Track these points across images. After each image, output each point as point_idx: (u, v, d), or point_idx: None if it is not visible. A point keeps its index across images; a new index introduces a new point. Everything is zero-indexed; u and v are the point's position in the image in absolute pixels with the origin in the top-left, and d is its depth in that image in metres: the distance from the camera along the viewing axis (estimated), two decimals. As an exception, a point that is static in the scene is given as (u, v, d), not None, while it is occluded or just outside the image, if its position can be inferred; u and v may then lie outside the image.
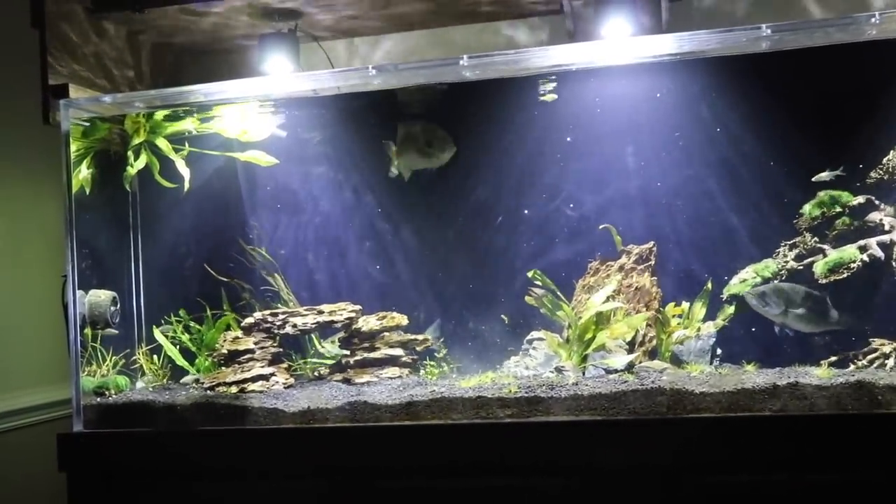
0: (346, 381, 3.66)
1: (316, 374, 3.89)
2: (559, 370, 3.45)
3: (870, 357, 3.34)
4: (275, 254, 4.11)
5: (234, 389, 3.57)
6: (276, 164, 4.00)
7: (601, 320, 3.52)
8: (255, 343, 3.76)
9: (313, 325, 3.77)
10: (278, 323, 3.79)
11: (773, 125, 3.59)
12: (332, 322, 3.78)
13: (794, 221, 3.60)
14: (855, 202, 3.52)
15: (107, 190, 3.98)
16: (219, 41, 4.51)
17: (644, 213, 3.75)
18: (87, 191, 3.85)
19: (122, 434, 3.48)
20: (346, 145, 4.05)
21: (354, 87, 3.74)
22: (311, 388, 3.63)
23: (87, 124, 3.83)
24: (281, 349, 3.82)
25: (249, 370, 3.66)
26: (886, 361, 3.29)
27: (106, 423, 3.53)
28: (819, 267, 3.48)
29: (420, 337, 3.82)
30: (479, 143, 3.88)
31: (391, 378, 3.64)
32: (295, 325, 3.77)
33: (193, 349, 3.99)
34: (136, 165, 3.92)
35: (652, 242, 3.72)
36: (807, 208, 3.58)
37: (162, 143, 3.89)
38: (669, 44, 3.42)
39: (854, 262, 3.42)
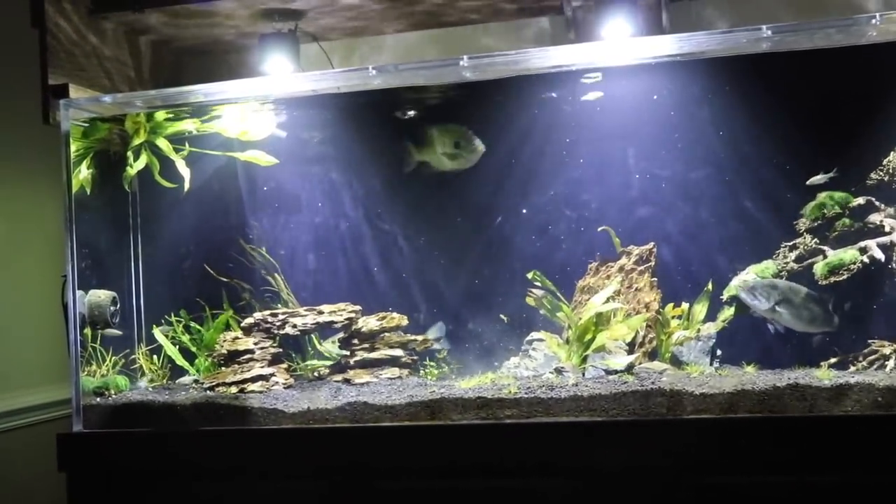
0: (346, 381, 3.66)
1: (316, 374, 3.89)
2: (559, 371, 3.45)
3: (870, 358, 3.33)
4: (274, 254, 4.11)
5: (233, 390, 3.58)
6: (276, 164, 3.99)
7: (601, 321, 3.52)
8: (255, 343, 3.77)
9: (313, 326, 3.77)
10: (278, 323, 3.79)
11: (774, 126, 3.58)
12: (332, 322, 3.78)
13: (795, 223, 3.60)
14: (855, 203, 3.52)
15: (107, 190, 3.98)
16: (219, 41, 4.51)
17: (646, 213, 3.75)
18: (87, 191, 3.85)
19: (121, 434, 3.48)
20: (347, 145, 4.05)
21: (355, 87, 3.74)
22: (310, 388, 3.63)
23: (87, 124, 3.83)
24: (281, 349, 3.82)
25: (249, 370, 3.66)
26: (886, 363, 3.29)
27: (106, 424, 3.53)
28: (819, 268, 3.48)
29: (420, 338, 3.82)
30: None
31: (391, 379, 3.64)
32: (295, 326, 3.77)
33: (193, 349, 3.99)
34: (136, 166, 3.92)
35: (652, 243, 3.72)
36: (807, 209, 3.57)
37: (162, 144, 3.89)
38: (669, 45, 3.42)
39: (854, 263, 3.42)
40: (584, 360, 3.50)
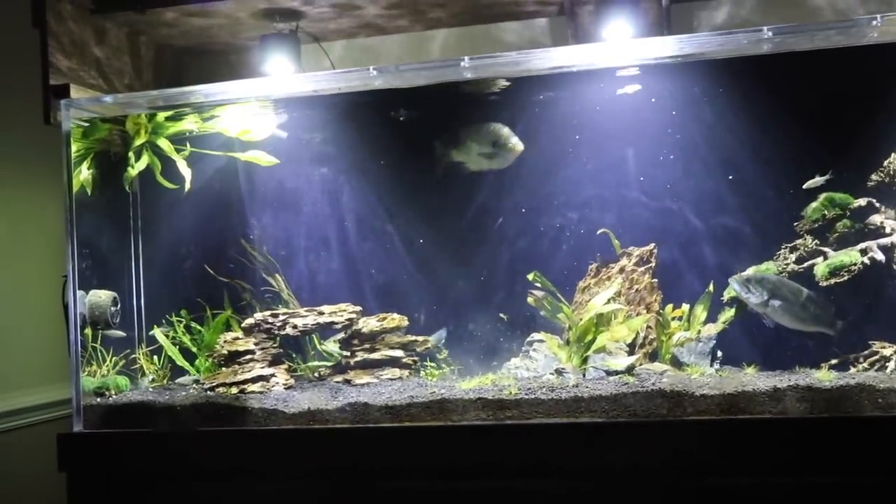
0: (347, 382, 3.66)
1: (316, 375, 3.89)
2: (559, 372, 3.45)
3: (870, 360, 3.33)
4: (275, 254, 4.11)
5: (234, 390, 3.58)
6: (276, 164, 3.99)
7: (601, 322, 3.52)
8: (256, 344, 3.77)
9: (313, 326, 3.77)
10: (278, 324, 3.79)
11: (774, 127, 3.58)
12: (333, 323, 3.78)
13: (795, 224, 3.60)
14: (856, 205, 3.52)
15: (107, 190, 3.98)
16: (220, 42, 4.51)
17: (649, 215, 3.75)
18: (88, 191, 3.85)
19: (122, 434, 3.48)
20: (347, 145, 4.05)
21: (355, 87, 3.74)
22: (311, 389, 3.63)
23: (88, 125, 3.83)
24: (281, 350, 3.82)
25: (249, 371, 3.67)
26: (887, 364, 3.29)
27: (106, 424, 3.53)
28: (820, 269, 3.48)
29: (420, 338, 3.82)
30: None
31: (391, 379, 3.64)
32: (295, 326, 3.77)
33: (194, 349, 3.99)
34: (138, 166, 3.92)
35: (652, 244, 3.72)
36: (808, 211, 3.58)
37: (164, 144, 3.89)
38: (670, 46, 3.42)
39: (855, 264, 3.42)
40: (585, 361, 3.50)
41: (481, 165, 3.82)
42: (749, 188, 3.64)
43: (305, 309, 3.86)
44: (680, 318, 3.59)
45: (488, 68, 3.51)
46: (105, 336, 3.84)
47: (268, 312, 3.86)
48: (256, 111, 3.94)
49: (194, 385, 3.81)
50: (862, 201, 3.51)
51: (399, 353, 3.75)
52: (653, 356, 3.60)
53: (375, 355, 3.73)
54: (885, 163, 3.50)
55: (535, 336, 3.70)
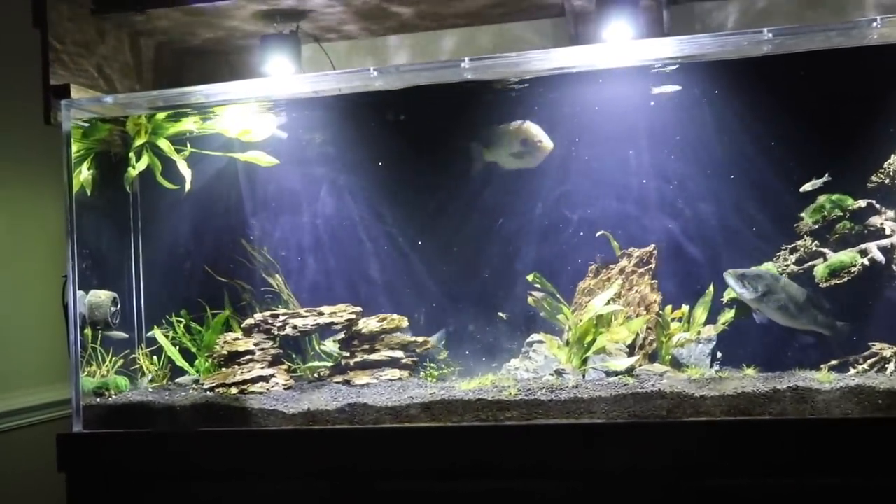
0: (346, 382, 3.66)
1: (316, 375, 3.89)
2: (559, 373, 3.45)
3: (870, 361, 3.33)
4: (275, 255, 4.11)
5: (233, 391, 3.58)
6: (276, 164, 4.00)
7: (601, 323, 3.52)
8: (255, 344, 3.77)
9: (313, 327, 3.77)
10: (278, 324, 3.79)
11: (775, 129, 3.59)
12: (332, 324, 3.78)
13: (795, 225, 3.60)
14: (856, 206, 3.52)
15: (107, 190, 3.98)
16: (220, 42, 4.51)
17: (652, 216, 3.75)
18: (88, 191, 3.85)
19: (121, 435, 3.48)
20: (346, 145, 4.05)
21: (355, 88, 3.75)
22: (310, 389, 3.63)
23: (88, 125, 3.83)
24: (281, 350, 3.82)
25: (249, 371, 3.66)
26: (887, 366, 3.29)
27: (105, 424, 3.53)
28: (820, 271, 3.48)
29: (420, 339, 3.82)
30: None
31: (391, 380, 3.64)
32: (295, 327, 3.77)
33: (193, 350, 3.99)
34: (138, 167, 3.92)
35: (652, 245, 3.72)
36: (807, 212, 3.58)
37: (164, 144, 3.89)
38: (670, 47, 3.42)
39: (855, 266, 3.42)
40: (585, 362, 3.50)
41: (512, 165, 3.78)
42: (752, 189, 3.64)
43: (305, 309, 3.86)
44: (680, 320, 3.59)
45: (488, 69, 3.51)
46: (107, 337, 3.84)
47: (268, 313, 3.86)
48: (262, 112, 3.95)
49: (194, 385, 3.81)
50: (862, 202, 3.51)
51: (399, 353, 3.75)
52: (652, 357, 3.60)
53: (375, 356, 3.73)
54: (886, 164, 3.50)
55: (535, 337, 3.70)
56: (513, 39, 4.50)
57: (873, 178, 3.52)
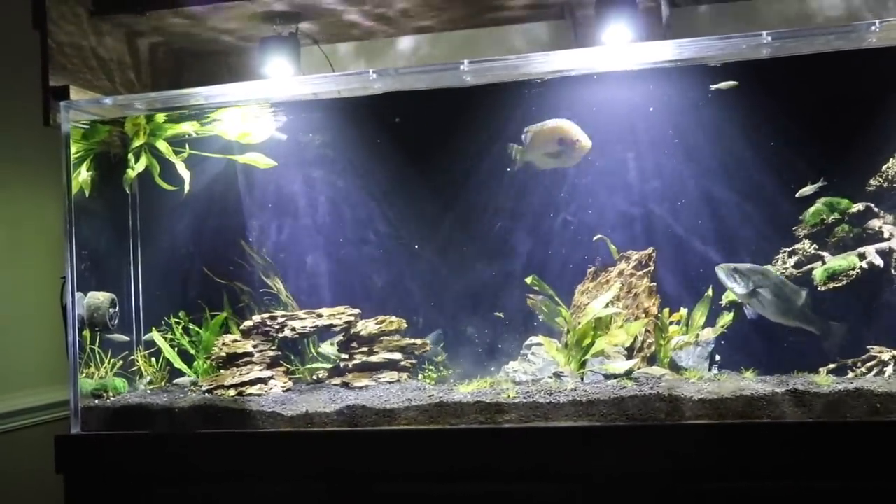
0: (345, 384, 3.66)
1: (314, 377, 3.89)
2: (558, 376, 3.45)
3: (868, 364, 3.33)
4: (274, 257, 4.11)
5: (232, 392, 3.57)
6: (274, 166, 4.00)
7: (600, 326, 3.52)
8: (254, 346, 3.76)
9: (312, 329, 3.77)
10: (277, 326, 3.79)
11: (775, 132, 3.59)
12: (331, 326, 3.78)
13: (794, 229, 3.60)
14: (854, 209, 3.52)
15: (106, 192, 3.98)
16: (219, 44, 4.51)
17: (654, 217, 3.75)
18: (87, 192, 3.85)
19: (119, 436, 3.48)
20: (345, 146, 4.06)
21: (354, 90, 3.75)
22: (309, 391, 3.63)
23: (87, 126, 3.83)
24: (279, 352, 3.82)
25: (248, 373, 3.66)
26: (885, 369, 3.29)
27: (104, 426, 3.52)
28: (818, 274, 3.48)
29: (419, 341, 3.82)
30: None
31: (389, 382, 3.64)
32: (294, 329, 3.77)
33: (192, 352, 3.99)
34: (137, 168, 3.92)
35: (651, 248, 3.72)
36: (806, 215, 3.58)
37: (162, 146, 3.89)
38: (669, 50, 3.43)
39: (853, 269, 3.42)
40: (583, 364, 3.50)
41: (548, 164, 3.70)
42: (749, 191, 3.65)
43: (304, 311, 3.86)
44: (678, 322, 3.59)
45: (487, 72, 3.51)
46: (108, 339, 3.84)
47: (266, 315, 3.86)
48: (257, 112, 3.95)
49: (192, 387, 3.80)
50: (860, 206, 3.52)
51: (397, 355, 3.74)
52: (651, 360, 3.60)
53: (373, 358, 3.73)
54: (884, 167, 3.50)
55: (534, 339, 3.70)
56: (513, 43, 4.50)
57: (872, 182, 3.52)
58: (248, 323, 3.84)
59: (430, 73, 3.64)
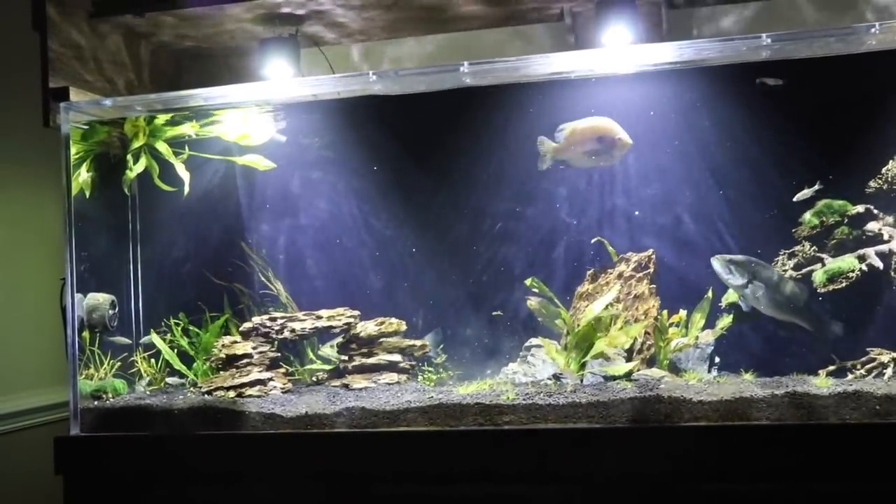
0: (345, 386, 3.66)
1: (314, 379, 3.89)
2: (557, 377, 3.45)
3: (867, 366, 3.33)
4: (274, 258, 4.11)
5: (231, 394, 3.57)
6: (273, 168, 4.00)
7: (599, 328, 3.52)
8: (254, 348, 3.76)
9: (311, 331, 3.77)
10: (276, 328, 3.79)
11: (775, 134, 3.59)
12: (331, 327, 3.78)
13: (794, 231, 3.60)
14: (854, 211, 3.52)
15: (106, 193, 3.98)
16: (219, 45, 4.51)
17: (656, 218, 3.75)
18: (87, 194, 3.85)
19: (118, 438, 3.48)
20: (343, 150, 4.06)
21: (354, 91, 3.75)
22: (308, 393, 3.63)
23: (87, 128, 3.83)
24: (279, 354, 3.82)
25: (247, 375, 3.66)
26: (884, 371, 3.29)
27: (103, 427, 3.52)
28: (818, 276, 3.48)
29: (418, 343, 3.82)
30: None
31: (389, 384, 3.64)
32: (293, 330, 3.77)
33: (192, 353, 3.99)
34: (136, 169, 3.92)
35: (651, 250, 3.72)
36: (806, 217, 3.58)
37: (162, 147, 3.89)
38: (669, 52, 3.43)
39: (853, 271, 3.42)
40: (583, 366, 3.50)
41: (586, 163, 3.61)
42: (749, 193, 3.65)
43: (304, 313, 3.86)
44: (678, 324, 3.59)
45: (487, 74, 3.51)
46: (108, 341, 3.84)
47: (266, 316, 3.86)
48: (255, 114, 3.95)
49: (191, 389, 3.80)
50: (860, 208, 3.52)
51: (397, 357, 3.74)
52: (650, 362, 3.60)
53: (373, 360, 3.73)
54: (884, 169, 3.50)
55: (534, 341, 3.70)
56: (513, 44, 4.50)
57: (872, 184, 3.52)
58: (247, 324, 3.84)
59: (429, 75, 3.64)
